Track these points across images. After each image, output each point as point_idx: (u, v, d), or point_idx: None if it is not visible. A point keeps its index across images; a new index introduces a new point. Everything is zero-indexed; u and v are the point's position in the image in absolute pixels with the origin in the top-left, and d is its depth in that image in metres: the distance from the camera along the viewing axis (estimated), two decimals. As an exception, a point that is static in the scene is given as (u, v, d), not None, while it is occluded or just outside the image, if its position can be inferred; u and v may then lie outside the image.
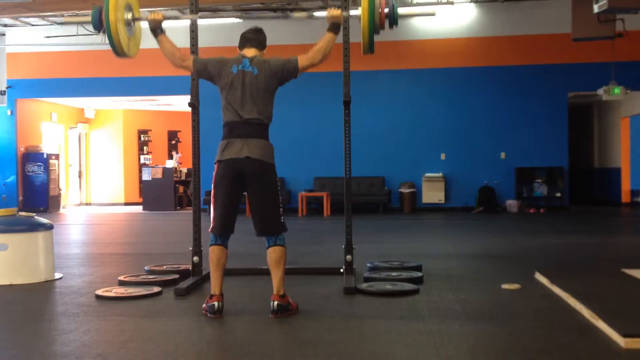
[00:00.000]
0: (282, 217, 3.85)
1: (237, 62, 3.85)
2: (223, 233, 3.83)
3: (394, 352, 3.04)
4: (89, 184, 17.87)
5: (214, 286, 3.80)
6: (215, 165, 3.84)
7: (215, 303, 3.76)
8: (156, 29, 4.02)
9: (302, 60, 3.83)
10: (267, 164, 3.77)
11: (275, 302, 3.74)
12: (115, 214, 14.27)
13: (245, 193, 3.89)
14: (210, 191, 3.90)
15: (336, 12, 3.85)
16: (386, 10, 3.89)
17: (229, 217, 3.83)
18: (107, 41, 4.10)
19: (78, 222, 12.33)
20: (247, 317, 3.83)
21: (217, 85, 3.87)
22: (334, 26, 3.83)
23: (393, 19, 3.91)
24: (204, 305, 3.84)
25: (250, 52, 3.91)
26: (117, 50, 4.14)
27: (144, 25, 4.18)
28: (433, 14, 4.01)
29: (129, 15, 4.18)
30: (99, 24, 4.07)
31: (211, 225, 3.85)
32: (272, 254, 3.80)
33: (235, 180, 3.78)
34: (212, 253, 3.83)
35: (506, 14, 13.56)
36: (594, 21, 9.22)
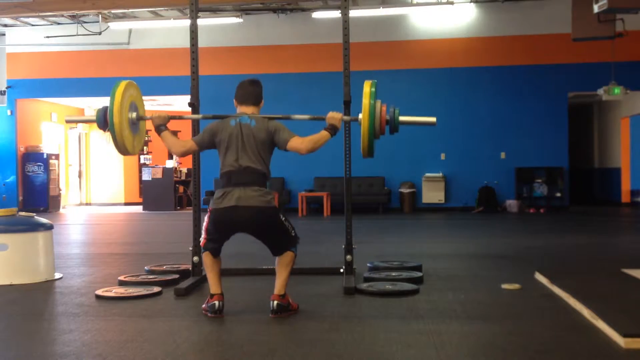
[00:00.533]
0: (292, 233, 3.89)
1: (235, 117, 3.89)
2: (216, 251, 3.86)
3: (394, 352, 3.04)
4: (89, 184, 17.87)
5: (213, 285, 3.81)
6: (209, 211, 3.82)
7: (216, 302, 3.76)
8: (160, 126, 4.05)
9: (295, 142, 3.81)
10: (266, 209, 3.75)
11: (275, 302, 3.75)
12: (115, 214, 14.27)
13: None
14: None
15: (337, 115, 3.89)
16: (387, 117, 3.91)
17: (222, 244, 3.88)
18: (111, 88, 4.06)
19: (78, 222, 12.33)
20: (247, 317, 3.83)
21: (217, 139, 3.86)
22: (332, 127, 3.86)
23: (393, 126, 3.93)
24: (204, 305, 3.85)
25: (248, 109, 3.93)
26: (121, 150, 4.12)
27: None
28: (434, 123, 3.97)
29: (134, 115, 4.14)
30: (104, 124, 4.04)
31: (203, 241, 3.86)
32: (282, 258, 3.84)
33: (232, 227, 3.79)
34: (206, 257, 3.84)
35: (506, 14, 13.57)
36: (594, 21, 9.22)
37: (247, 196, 3.72)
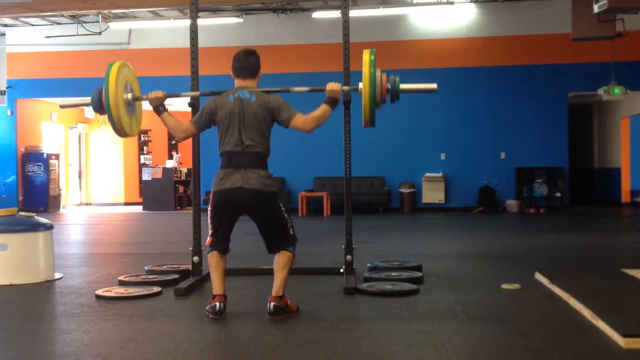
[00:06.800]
0: (291, 230, 3.83)
1: (233, 92, 3.83)
2: (222, 248, 3.83)
3: (394, 352, 3.04)
4: (89, 184, 17.87)
5: (216, 286, 3.78)
6: (212, 194, 3.80)
7: (217, 304, 3.74)
8: (158, 107, 4.02)
9: (298, 120, 3.80)
10: (266, 193, 3.72)
11: (272, 304, 3.72)
12: (115, 214, 14.27)
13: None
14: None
15: (336, 86, 3.83)
16: (388, 85, 3.88)
17: (227, 235, 3.85)
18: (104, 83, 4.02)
19: (78, 222, 12.33)
20: (247, 317, 3.82)
21: (217, 118, 3.82)
22: (332, 100, 3.82)
23: (394, 94, 3.90)
24: (207, 306, 3.82)
25: (245, 83, 3.87)
26: (119, 132, 4.09)
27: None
28: (435, 90, 3.96)
29: (129, 96, 4.12)
30: (99, 107, 4.00)
31: (209, 239, 3.84)
32: (280, 258, 3.79)
33: (234, 208, 3.76)
34: (211, 258, 3.82)
35: (506, 14, 13.57)
36: (594, 21, 9.21)
37: (249, 178, 3.68)
